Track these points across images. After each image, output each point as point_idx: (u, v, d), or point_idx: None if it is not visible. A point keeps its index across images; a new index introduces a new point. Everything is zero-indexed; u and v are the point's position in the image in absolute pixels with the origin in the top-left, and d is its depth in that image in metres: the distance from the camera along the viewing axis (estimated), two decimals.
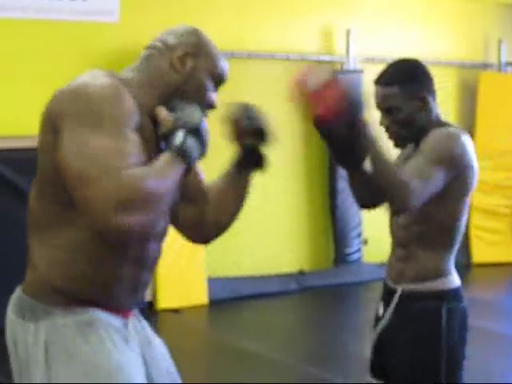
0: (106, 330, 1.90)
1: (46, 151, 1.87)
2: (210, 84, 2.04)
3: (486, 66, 8.16)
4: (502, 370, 4.90)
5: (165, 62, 2.00)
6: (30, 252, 1.95)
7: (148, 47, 2.06)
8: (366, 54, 7.15)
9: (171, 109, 1.95)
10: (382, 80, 2.51)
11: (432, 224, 2.51)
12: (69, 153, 1.77)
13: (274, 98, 6.73)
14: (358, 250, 7.25)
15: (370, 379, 2.72)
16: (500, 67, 8.08)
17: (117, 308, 1.96)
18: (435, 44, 7.66)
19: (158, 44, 2.03)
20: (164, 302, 6.03)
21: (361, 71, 7.00)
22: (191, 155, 1.88)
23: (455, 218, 2.52)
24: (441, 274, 2.55)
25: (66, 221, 1.88)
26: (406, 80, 2.50)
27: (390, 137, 2.54)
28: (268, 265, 6.81)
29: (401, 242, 2.58)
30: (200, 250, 5.94)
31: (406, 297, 2.57)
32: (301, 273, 7.02)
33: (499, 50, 8.05)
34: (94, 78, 1.88)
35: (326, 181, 7.10)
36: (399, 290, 2.58)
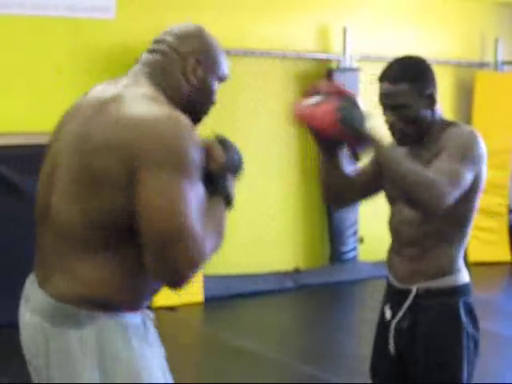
0: (138, 333, 1.97)
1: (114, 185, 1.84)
2: (216, 86, 2.09)
3: (482, 64, 8.15)
4: (497, 369, 4.91)
5: (178, 72, 2.02)
6: (66, 262, 1.92)
7: (154, 50, 2.05)
8: (363, 52, 7.14)
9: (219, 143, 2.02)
10: (390, 77, 2.46)
11: (449, 220, 2.49)
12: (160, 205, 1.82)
13: (270, 95, 6.74)
14: (354, 249, 7.25)
15: (369, 381, 2.70)
16: (496, 66, 8.08)
17: (141, 308, 2.03)
18: (432, 42, 7.65)
19: (167, 49, 2.03)
20: (160, 299, 6.02)
21: (357, 69, 7.00)
22: (233, 200, 2.04)
23: (470, 212, 2.52)
24: (456, 268, 2.54)
25: (123, 240, 1.90)
26: (415, 77, 2.46)
27: (395, 134, 2.51)
28: (264, 263, 6.80)
29: (412, 241, 2.54)
30: None
31: (422, 295, 2.53)
32: (296, 271, 7.01)
33: (496, 48, 8.04)
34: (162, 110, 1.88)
35: None
36: (414, 289, 2.54)
